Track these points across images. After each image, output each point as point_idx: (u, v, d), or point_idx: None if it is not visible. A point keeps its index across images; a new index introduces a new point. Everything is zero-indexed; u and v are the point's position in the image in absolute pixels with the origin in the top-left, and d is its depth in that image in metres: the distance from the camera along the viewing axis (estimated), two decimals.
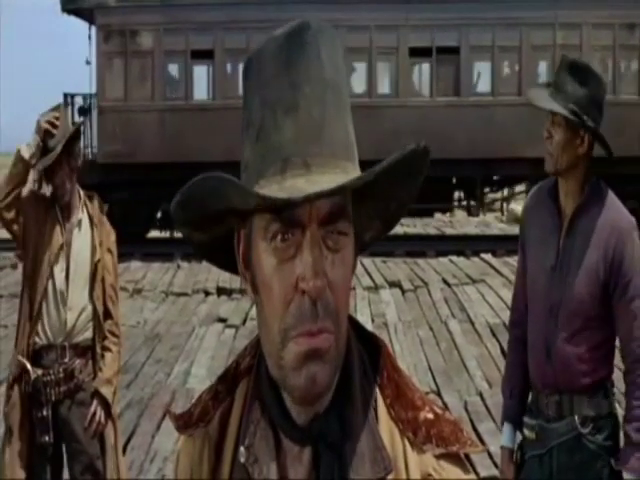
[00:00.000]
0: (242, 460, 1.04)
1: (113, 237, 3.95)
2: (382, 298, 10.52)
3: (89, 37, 15.98)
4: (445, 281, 11.47)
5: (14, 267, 12.57)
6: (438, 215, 19.55)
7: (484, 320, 9.02)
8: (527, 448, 2.86)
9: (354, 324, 1.09)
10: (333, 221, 0.99)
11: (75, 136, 3.77)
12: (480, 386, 6.81)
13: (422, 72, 16.17)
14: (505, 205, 20.38)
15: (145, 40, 15.41)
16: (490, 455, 5.08)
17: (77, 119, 15.79)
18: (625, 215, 2.72)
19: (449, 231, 19.20)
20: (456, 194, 16.90)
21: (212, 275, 11.71)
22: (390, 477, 1.01)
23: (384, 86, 15.97)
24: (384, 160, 0.97)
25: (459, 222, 20.84)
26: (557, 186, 2.80)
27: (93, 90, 15.83)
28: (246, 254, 1.05)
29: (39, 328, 3.72)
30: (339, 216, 0.99)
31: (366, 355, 1.08)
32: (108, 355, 3.81)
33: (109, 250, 3.88)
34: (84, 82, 16.88)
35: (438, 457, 1.02)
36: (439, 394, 6.64)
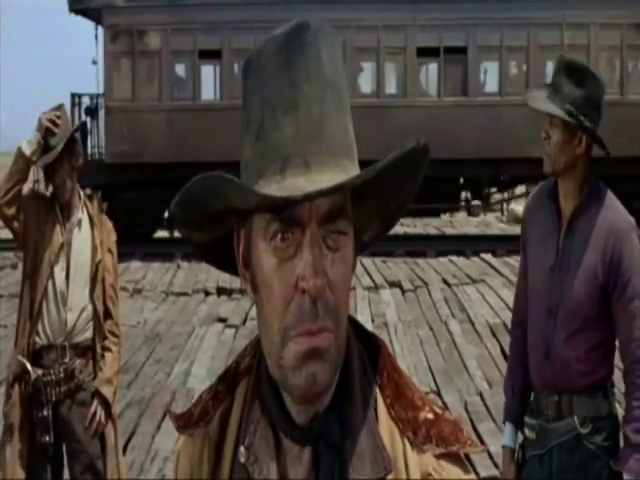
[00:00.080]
0: (242, 460, 1.04)
1: (113, 237, 3.95)
2: (382, 298, 10.52)
3: (96, 37, 16.01)
4: (445, 281, 11.47)
5: (14, 267, 12.57)
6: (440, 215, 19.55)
7: (484, 320, 9.02)
8: (528, 448, 2.86)
9: (354, 324, 1.09)
10: (333, 220, 0.99)
11: (77, 135, 3.77)
12: (480, 386, 6.81)
13: (430, 72, 16.19)
14: (505, 205, 20.40)
15: (153, 40, 15.43)
16: (490, 455, 5.09)
17: (84, 119, 15.85)
18: (624, 215, 2.72)
19: (449, 231, 19.20)
20: (462, 194, 16.90)
21: (212, 275, 11.70)
22: (390, 477, 1.01)
23: (392, 86, 16.00)
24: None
25: (459, 222, 20.84)
26: (557, 187, 2.80)
27: (100, 90, 15.86)
28: (246, 254, 1.05)
29: (39, 328, 3.72)
30: (339, 215, 0.99)
31: (366, 355, 1.08)
32: (108, 355, 3.81)
33: (109, 250, 3.88)
34: (90, 82, 16.93)
35: (438, 457, 1.02)
36: (439, 394, 6.64)
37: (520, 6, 14.94)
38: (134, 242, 14.54)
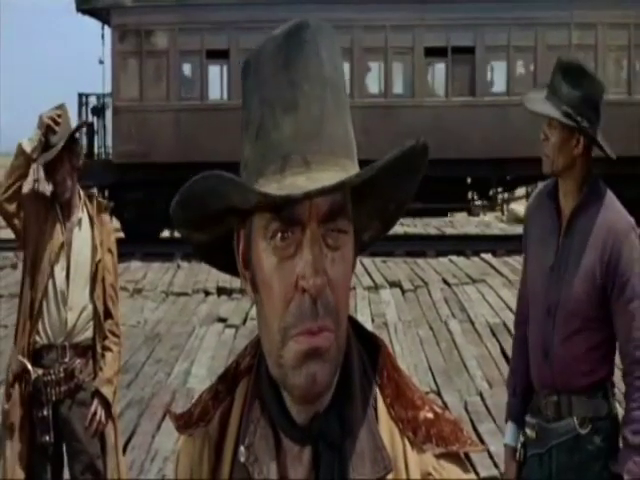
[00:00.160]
0: (242, 460, 1.04)
1: (113, 237, 3.96)
2: (382, 298, 10.52)
3: (102, 37, 16.02)
4: (445, 281, 11.47)
5: (14, 267, 12.57)
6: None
7: (484, 320, 9.02)
8: (528, 447, 2.86)
9: (354, 324, 1.09)
10: (333, 219, 0.99)
11: (77, 135, 3.78)
12: (480, 386, 6.81)
13: (437, 72, 16.21)
14: (505, 205, 20.39)
15: (160, 40, 15.46)
16: (490, 455, 5.09)
17: (91, 119, 15.87)
18: (623, 215, 2.72)
19: (449, 231, 19.21)
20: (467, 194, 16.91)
21: (212, 275, 11.70)
22: (390, 477, 1.01)
23: (399, 86, 16.03)
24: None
25: (459, 222, 20.84)
26: (557, 186, 2.81)
27: (106, 90, 15.91)
28: (246, 254, 1.05)
29: (39, 327, 3.72)
30: (339, 214, 0.99)
31: (366, 355, 1.08)
32: (108, 355, 3.81)
33: (109, 250, 3.88)
34: (96, 82, 16.96)
35: (438, 456, 1.02)
36: (439, 394, 6.64)
37: (528, 6, 14.96)
38: (142, 242, 14.60)
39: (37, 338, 3.73)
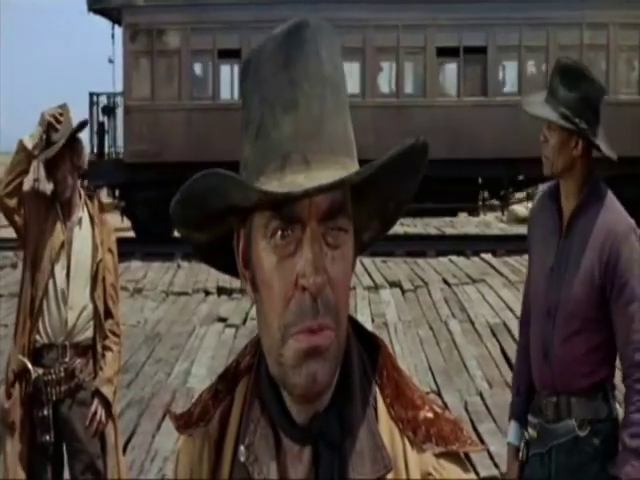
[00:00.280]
0: (242, 459, 1.04)
1: (114, 237, 3.96)
2: (382, 298, 10.51)
3: (112, 36, 16.03)
4: (445, 281, 11.47)
5: (14, 267, 12.57)
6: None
7: (484, 320, 9.02)
8: (531, 446, 2.87)
9: (353, 324, 1.09)
10: (333, 217, 0.99)
11: (79, 136, 3.79)
12: (480, 386, 6.81)
13: (449, 72, 16.24)
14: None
15: (172, 39, 15.48)
16: (490, 455, 5.09)
17: (101, 118, 15.90)
18: (623, 217, 2.72)
19: (449, 231, 19.20)
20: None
21: (212, 275, 11.70)
22: (390, 476, 1.01)
23: (411, 86, 16.05)
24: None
25: (459, 222, 20.84)
26: (559, 188, 2.82)
27: (116, 89, 15.93)
28: (246, 253, 1.05)
29: (40, 326, 3.72)
30: (339, 212, 0.99)
31: (366, 354, 1.08)
32: (109, 354, 3.81)
33: (110, 250, 3.89)
34: (106, 81, 16.98)
35: (438, 456, 1.02)
36: (439, 394, 6.64)
37: (540, 6, 14.98)
38: (154, 242, 14.62)
39: (37, 337, 3.73)
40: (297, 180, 0.97)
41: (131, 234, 15.81)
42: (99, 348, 3.80)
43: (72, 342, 3.76)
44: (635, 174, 13.48)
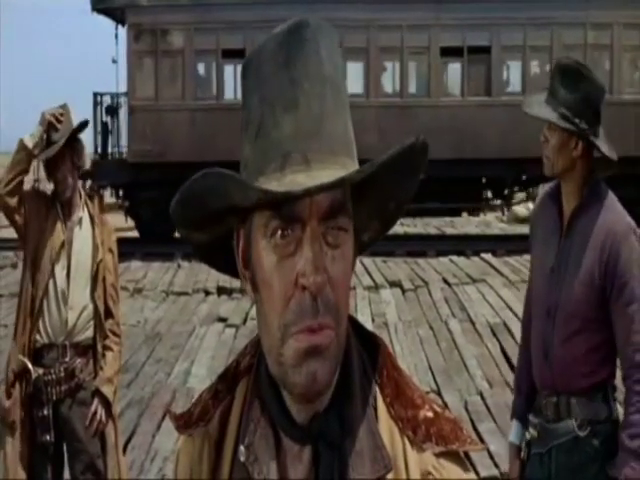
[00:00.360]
0: (242, 459, 1.04)
1: (114, 237, 3.96)
2: (382, 298, 10.51)
3: (115, 36, 16.03)
4: (445, 281, 11.47)
5: (14, 267, 12.56)
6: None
7: (484, 320, 9.01)
8: (532, 446, 2.87)
9: (353, 323, 1.09)
10: (333, 216, 0.99)
11: (80, 136, 3.79)
12: (480, 386, 6.81)
13: (453, 72, 16.21)
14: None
15: (176, 39, 15.47)
16: (490, 455, 5.09)
17: (105, 118, 15.90)
18: (623, 217, 2.72)
19: (449, 231, 19.20)
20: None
21: (212, 275, 11.69)
22: (390, 476, 1.01)
23: (415, 86, 16.05)
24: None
25: (459, 222, 20.83)
26: (560, 188, 2.83)
27: (119, 89, 15.96)
28: (246, 253, 1.05)
29: (40, 326, 3.72)
30: (339, 211, 0.99)
31: (366, 354, 1.08)
32: (109, 354, 3.82)
33: (110, 250, 3.89)
34: (110, 81, 16.96)
35: (438, 455, 1.02)
36: (439, 394, 6.64)
37: (544, 6, 14.98)
38: (154, 242, 14.62)
39: (37, 337, 3.73)
40: (297, 179, 0.97)
41: (135, 234, 15.82)
42: (99, 348, 3.80)
43: (72, 342, 3.76)
44: (638, 174, 13.51)
